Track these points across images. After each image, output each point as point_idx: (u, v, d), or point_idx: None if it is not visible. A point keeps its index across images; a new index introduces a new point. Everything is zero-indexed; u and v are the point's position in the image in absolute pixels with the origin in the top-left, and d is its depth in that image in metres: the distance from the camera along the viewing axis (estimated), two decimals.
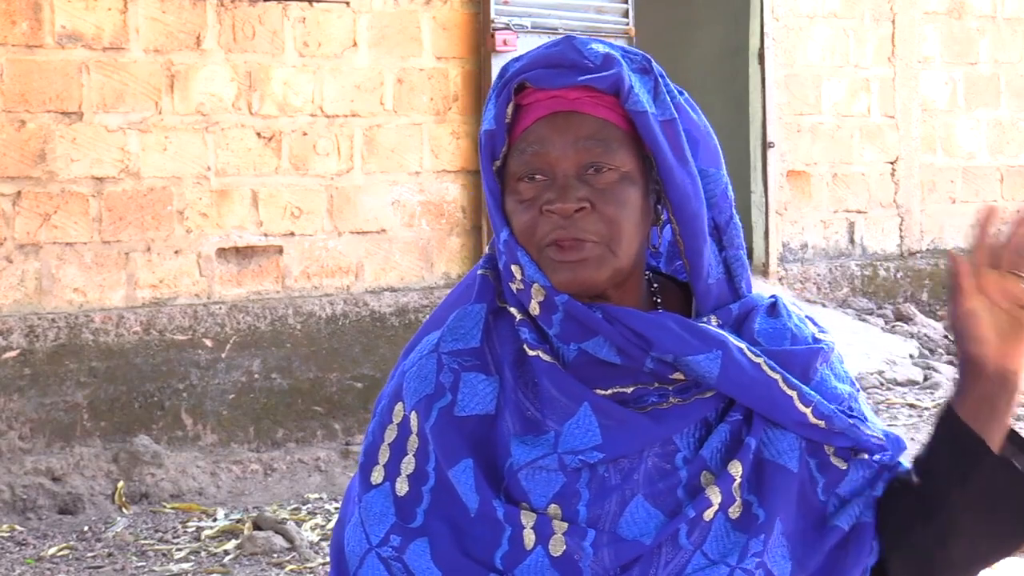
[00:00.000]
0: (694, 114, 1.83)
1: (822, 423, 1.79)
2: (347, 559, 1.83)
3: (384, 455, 1.84)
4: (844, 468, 1.82)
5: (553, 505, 1.75)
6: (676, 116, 1.78)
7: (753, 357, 1.78)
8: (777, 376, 1.78)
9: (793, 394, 1.78)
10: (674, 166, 1.77)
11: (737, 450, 1.78)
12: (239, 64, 7.58)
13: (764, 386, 1.77)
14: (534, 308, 1.79)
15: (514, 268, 1.79)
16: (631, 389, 1.78)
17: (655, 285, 1.87)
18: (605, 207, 1.75)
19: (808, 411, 1.78)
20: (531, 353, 1.79)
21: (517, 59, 1.81)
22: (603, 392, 1.77)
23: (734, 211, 1.85)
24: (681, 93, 1.84)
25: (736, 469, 1.76)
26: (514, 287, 1.80)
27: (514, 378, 1.80)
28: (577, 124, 1.77)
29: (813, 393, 1.79)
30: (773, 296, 1.89)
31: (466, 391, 1.81)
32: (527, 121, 1.79)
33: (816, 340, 1.85)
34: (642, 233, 1.80)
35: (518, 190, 1.78)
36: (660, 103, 1.78)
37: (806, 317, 1.89)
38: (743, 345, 1.78)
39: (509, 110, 1.79)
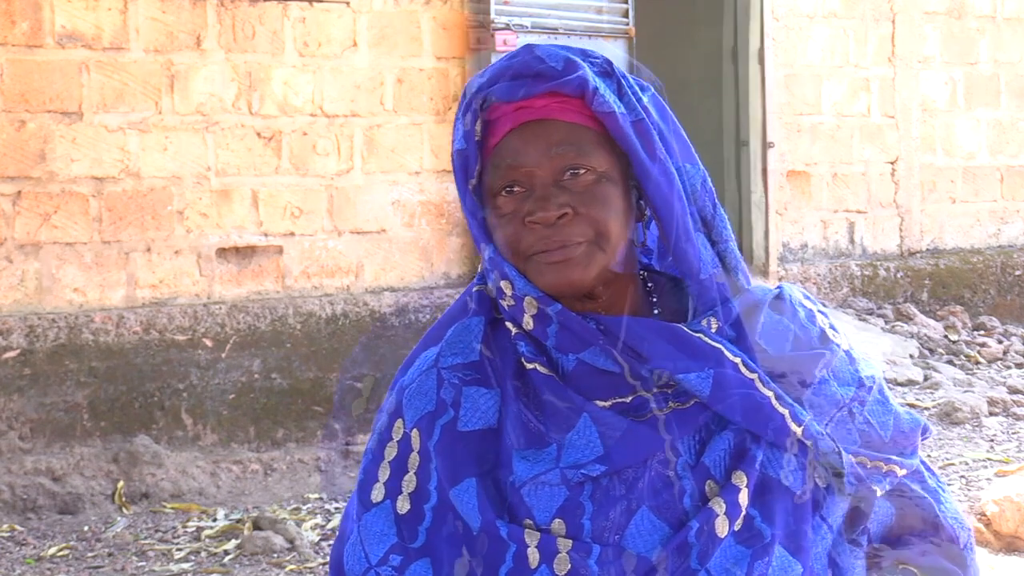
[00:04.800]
0: (661, 112, 1.80)
1: (810, 443, 1.77)
2: None
3: (384, 473, 1.82)
4: (824, 487, 1.80)
5: (557, 520, 1.73)
6: (644, 116, 1.76)
7: (747, 373, 1.76)
8: (770, 393, 1.76)
9: (785, 412, 1.76)
10: (649, 166, 1.75)
11: (742, 459, 1.76)
12: (239, 64, 7.57)
13: (755, 405, 1.75)
14: (527, 323, 1.76)
15: (503, 284, 1.77)
16: (630, 398, 1.76)
17: (649, 284, 1.85)
18: (587, 209, 1.73)
19: (799, 430, 1.76)
20: (528, 366, 1.77)
21: (479, 75, 1.79)
22: (603, 403, 1.76)
23: (717, 204, 1.82)
24: (645, 91, 1.81)
25: (741, 480, 1.74)
26: (505, 304, 1.78)
27: (515, 390, 1.78)
28: (548, 131, 1.74)
29: (805, 413, 1.77)
30: (779, 287, 1.86)
31: (468, 406, 1.79)
32: (498, 135, 1.76)
33: (821, 342, 1.83)
34: (628, 230, 1.78)
35: (497, 205, 1.76)
36: (627, 104, 1.76)
37: (819, 311, 1.86)
38: (738, 360, 1.76)
39: (478, 127, 1.77)
